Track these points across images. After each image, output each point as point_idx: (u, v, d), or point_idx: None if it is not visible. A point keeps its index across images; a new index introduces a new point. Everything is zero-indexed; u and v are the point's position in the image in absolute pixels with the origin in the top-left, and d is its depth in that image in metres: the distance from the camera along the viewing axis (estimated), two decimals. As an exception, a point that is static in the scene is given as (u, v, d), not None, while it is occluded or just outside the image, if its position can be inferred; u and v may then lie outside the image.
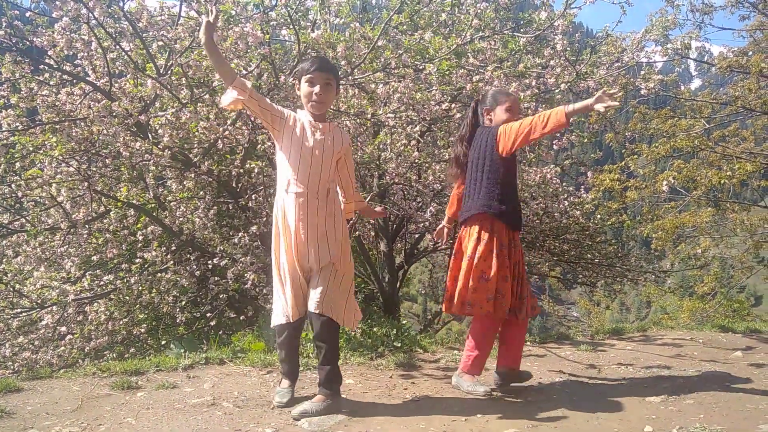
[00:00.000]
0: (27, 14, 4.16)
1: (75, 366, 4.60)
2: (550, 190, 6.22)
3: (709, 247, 11.22)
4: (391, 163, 4.83)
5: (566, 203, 6.43)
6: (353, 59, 4.10)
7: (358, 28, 4.19)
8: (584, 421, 2.65)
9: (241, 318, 5.67)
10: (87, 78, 4.39)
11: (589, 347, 4.30)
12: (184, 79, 4.20)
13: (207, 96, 4.28)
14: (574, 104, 2.85)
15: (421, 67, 4.23)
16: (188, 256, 5.40)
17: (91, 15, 3.80)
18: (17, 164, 4.67)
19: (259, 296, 5.17)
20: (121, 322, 5.33)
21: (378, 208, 3.40)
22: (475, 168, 3.09)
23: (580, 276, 8.18)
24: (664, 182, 8.99)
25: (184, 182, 5.10)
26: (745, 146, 10.60)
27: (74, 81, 4.50)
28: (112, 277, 5.13)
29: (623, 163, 10.25)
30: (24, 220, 5.12)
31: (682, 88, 11.25)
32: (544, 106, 5.13)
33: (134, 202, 5.33)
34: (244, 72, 4.00)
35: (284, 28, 4.34)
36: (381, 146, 4.82)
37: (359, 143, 5.06)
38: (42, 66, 4.42)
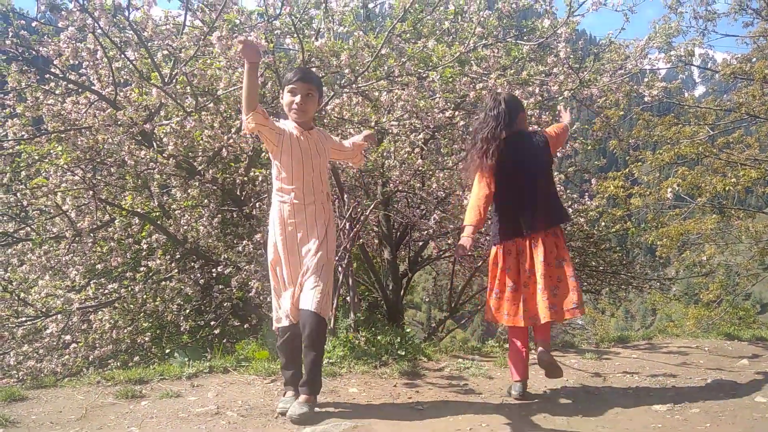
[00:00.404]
0: (33, 24, 4.19)
1: (79, 375, 4.58)
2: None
3: (714, 254, 11.17)
4: (395, 170, 4.83)
5: (570, 210, 6.41)
6: (357, 67, 4.11)
7: (362, 36, 4.21)
8: (590, 430, 2.64)
9: (245, 326, 5.66)
10: (92, 87, 4.42)
11: (594, 355, 4.28)
12: (188, 87, 4.22)
13: (211, 105, 4.30)
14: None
15: (424, 75, 4.25)
16: (192, 264, 5.41)
17: (96, 25, 3.82)
18: (23, 173, 4.70)
19: (263, 304, 5.16)
20: (125, 331, 5.32)
21: (365, 132, 3.43)
22: (528, 176, 3.11)
23: (585, 283, 8.14)
24: (669, 189, 8.97)
25: (189, 190, 5.12)
26: (750, 153, 10.56)
27: (80, 90, 4.52)
28: (116, 285, 5.14)
29: (627, 170, 10.22)
30: (29, 229, 5.13)
31: (686, 95, 11.26)
32: (547, 113, 5.14)
33: (139, 210, 5.34)
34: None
35: (288, 36, 4.37)
36: (385, 154, 4.83)
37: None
38: (48, 75, 4.44)
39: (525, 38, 4.76)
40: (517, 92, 4.52)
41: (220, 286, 5.34)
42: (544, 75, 4.63)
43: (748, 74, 9.25)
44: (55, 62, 4.26)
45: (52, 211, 5.01)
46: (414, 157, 4.83)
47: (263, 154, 4.71)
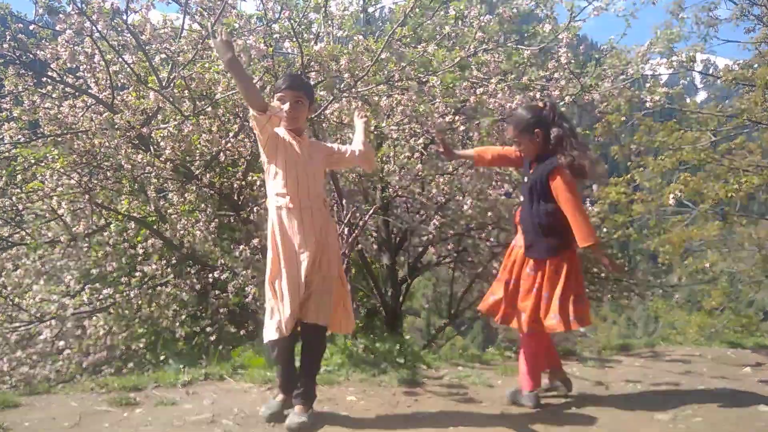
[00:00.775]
0: (31, 27, 4.18)
1: (73, 381, 4.56)
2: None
3: (717, 261, 11.14)
4: (395, 175, 4.81)
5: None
6: (357, 72, 4.09)
7: (362, 40, 4.19)
8: (592, 441, 2.59)
9: (242, 333, 5.62)
10: (89, 90, 4.40)
11: (596, 363, 4.25)
12: (186, 91, 4.19)
13: (209, 109, 4.28)
14: None
15: (424, 80, 4.23)
16: (189, 269, 5.38)
17: (94, 28, 3.80)
18: (18, 177, 4.68)
19: (259, 310, 5.12)
20: (119, 337, 5.30)
21: (358, 120, 3.18)
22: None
23: (586, 290, 8.08)
24: (671, 195, 8.94)
25: (186, 195, 5.09)
26: (752, 159, 10.53)
27: (77, 93, 4.51)
28: (111, 290, 5.11)
29: (629, 175, 10.19)
30: (24, 233, 5.10)
31: (688, 100, 11.25)
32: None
33: (135, 214, 5.31)
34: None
35: (287, 40, 4.36)
36: (384, 159, 4.81)
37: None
38: (45, 78, 4.43)
39: (526, 43, 4.73)
40: (517, 97, 4.50)
41: (217, 292, 5.31)
42: (545, 80, 4.62)
43: (750, 80, 9.23)
44: (52, 66, 4.25)
45: (47, 215, 4.99)
46: (414, 162, 4.80)
47: (261, 158, 4.68)
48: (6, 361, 4.99)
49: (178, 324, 5.31)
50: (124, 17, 3.99)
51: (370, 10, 5.78)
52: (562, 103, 4.56)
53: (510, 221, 5.83)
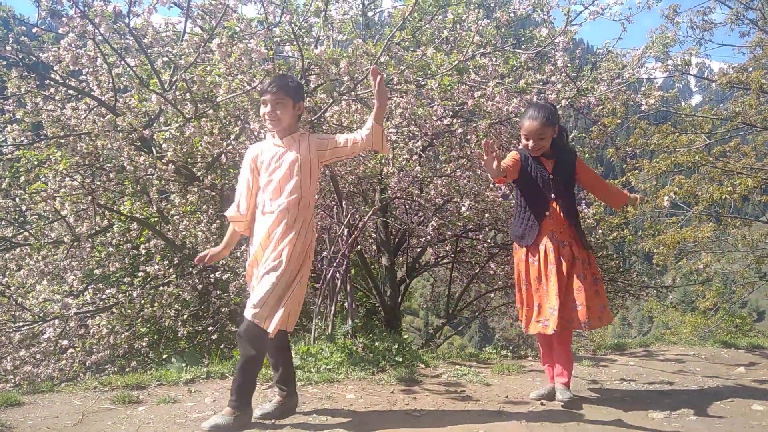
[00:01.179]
0: (34, 30, 4.20)
1: (76, 380, 4.58)
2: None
3: (711, 262, 11.20)
4: (393, 177, 4.85)
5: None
6: (356, 75, 4.13)
7: (361, 44, 4.23)
8: (586, 438, 2.64)
9: (243, 332, 5.64)
10: (92, 93, 4.43)
11: (591, 363, 4.29)
12: (188, 94, 4.23)
13: (211, 111, 4.31)
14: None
15: (423, 83, 4.27)
16: (190, 269, 5.41)
17: (97, 31, 3.83)
18: (22, 178, 4.71)
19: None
20: (122, 336, 5.32)
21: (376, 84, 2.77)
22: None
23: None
24: (666, 197, 9.01)
25: (188, 196, 5.12)
26: (746, 162, 10.62)
27: (79, 96, 4.54)
28: (114, 290, 5.14)
29: (624, 178, 10.26)
30: (27, 234, 5.14)
31: (683, 103, 11.32)
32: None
33: (137, 215, 5.35)
34: (248, 87, 4.02)
35: (288, 44, 4.38)
36: (383, 161, 4.84)
37: (361, 158, 5.09)
38: (48, 81, 4.45)
39: (523, 47, 4.79)
40: (514, 100, 4.54)
41: (218, 292, 5.34)
42: (541, 83, 4.66)
43: (744, 83, 9.30)
44: (55, 68, 4.27)
45: (50, 216, 5.01)
46: (412, 164, 4.85)
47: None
48: (10, 360, 5.01)
49: (180, 323, 5.34)
50: (127, 21, 4.03)
51: (370, 14, 5.83)
52: (558, 106, 4.62)
53: (505, 222, 5.88)
